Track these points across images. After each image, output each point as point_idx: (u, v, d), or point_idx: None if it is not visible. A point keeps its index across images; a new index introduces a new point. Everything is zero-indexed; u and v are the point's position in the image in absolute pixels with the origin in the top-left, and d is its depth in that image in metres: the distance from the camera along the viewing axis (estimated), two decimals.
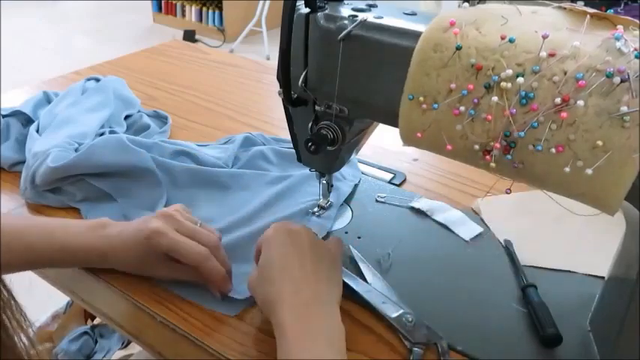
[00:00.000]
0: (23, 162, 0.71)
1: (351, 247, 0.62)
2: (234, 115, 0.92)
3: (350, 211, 0.68)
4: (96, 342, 1.00)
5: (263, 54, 3.50)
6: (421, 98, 0.42)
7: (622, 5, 1.93)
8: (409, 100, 0.43)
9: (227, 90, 1.01)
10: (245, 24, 3.63)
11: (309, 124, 0.55)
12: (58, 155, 0.65)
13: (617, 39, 0.37)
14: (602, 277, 0.55)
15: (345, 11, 0.49)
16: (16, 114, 0.78)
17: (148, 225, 0.54)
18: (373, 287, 0.56)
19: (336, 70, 0.48)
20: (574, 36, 0.38)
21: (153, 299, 0.55)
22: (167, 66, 1.11)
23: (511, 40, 0.39)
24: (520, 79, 0.38)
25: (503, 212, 0.69)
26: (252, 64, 1.15)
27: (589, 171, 0.37)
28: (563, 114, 0.37)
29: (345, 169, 0.72)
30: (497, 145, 0.40)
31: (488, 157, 0.41)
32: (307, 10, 0.49)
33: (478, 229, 0.66)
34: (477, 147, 0.41)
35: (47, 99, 0.83)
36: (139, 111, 0.85)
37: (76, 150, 0.68)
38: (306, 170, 0.68)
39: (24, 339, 0.35)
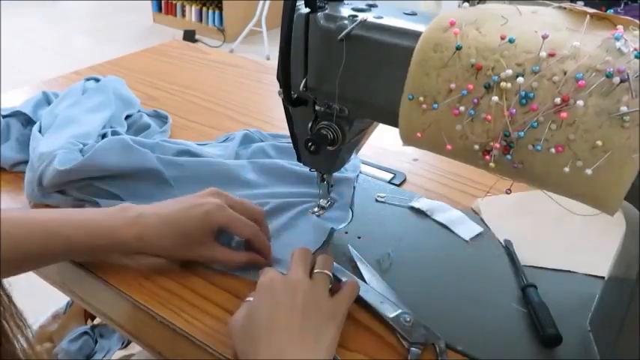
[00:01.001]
0: (25, 162, 0.71)
1: (350, 247, 0.62)
2: (234, 115, 0.92)
3: (350, 211, 0.68)
4: (96, 342, 1.00)
5: (263, 54, 3.50)
6: (421, 98, 0.42)
7: (622, 5, 1.93)
8: (409, 100, 0.43)
9: (227, 90, 1.01)
10: (245, 24, 3.63)
11: (309, 124, 0.55)
12: (65, 157, 0.65)
13: (617, 39, 0.37)
14: (602, 277, 0.55)
15: (345, 11, 0.49)
16: (16, 114, 0.78)
17: (207, 201, 0.56)
18: (371, 287, 0.56)
19: (336, 70, 0.48)
20: (574, 36, 0.38)
21: (153, 299, 0.55)
22: (167, 66, 1.11)
23: (511, 40, 0.39)
24: (520, 79, 0.38)
25: (503, 212, 0.69)
26: (252, 64, 1.15)
27: (589, 171, 0.37)
28: (563, 114, 0.37)
29: None
30: (497, 145, 0.40)
31: (487, 157, 0.41)
32: (307, 10, 0.49)
33: (478, 228, 0.66)
34: (476, 147, 0.41)
35: (47, 99, 0.83)
36: (138, 111, 0.85)
37: (81, 151, 0.68)
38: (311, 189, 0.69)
39: (23, 343, 0.35)
